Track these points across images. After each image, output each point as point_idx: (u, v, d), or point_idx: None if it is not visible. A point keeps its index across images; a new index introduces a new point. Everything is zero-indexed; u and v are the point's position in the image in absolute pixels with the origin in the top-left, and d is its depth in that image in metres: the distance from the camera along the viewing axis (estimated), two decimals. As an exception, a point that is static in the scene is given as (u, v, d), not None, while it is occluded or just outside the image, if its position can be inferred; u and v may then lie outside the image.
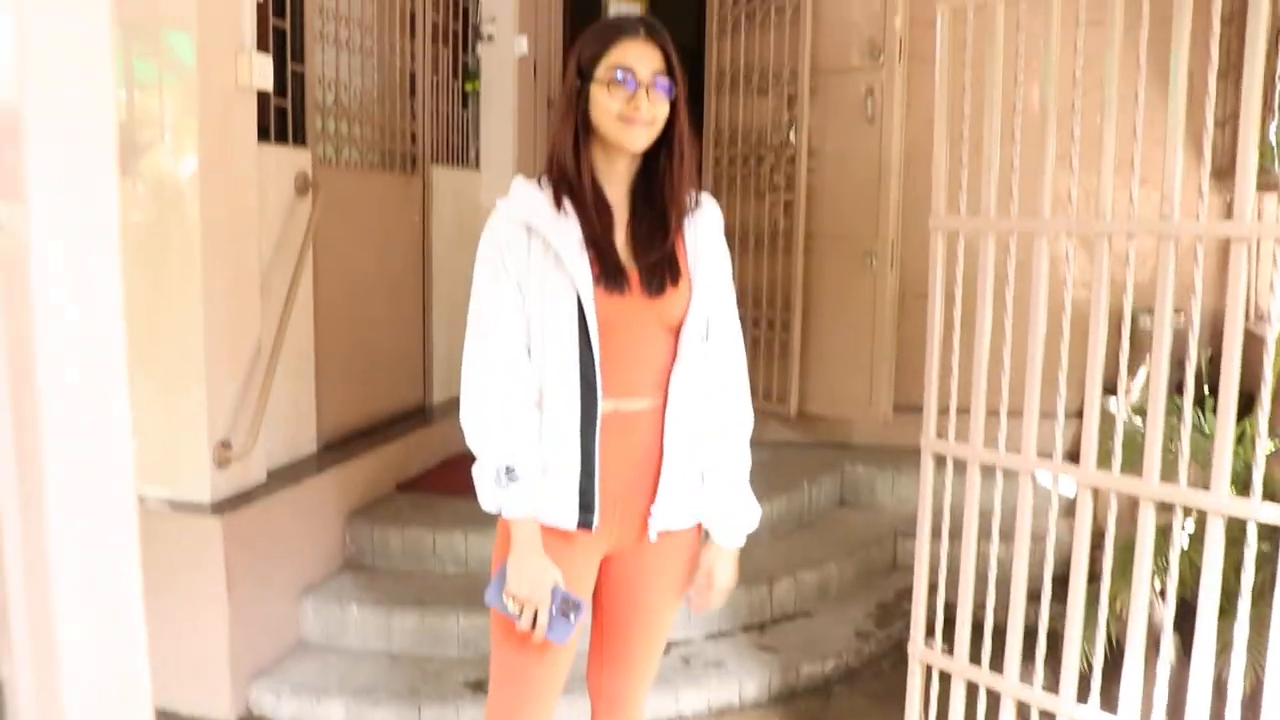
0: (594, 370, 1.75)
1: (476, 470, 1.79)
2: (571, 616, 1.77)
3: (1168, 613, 2.31)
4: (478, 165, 5.06)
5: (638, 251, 1.81)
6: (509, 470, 1.74)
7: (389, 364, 4.33)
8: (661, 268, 1.80)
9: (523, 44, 5.11)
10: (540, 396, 1.78)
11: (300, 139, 3.67)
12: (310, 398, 3.78)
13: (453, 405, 4.71)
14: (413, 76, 4.46)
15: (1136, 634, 2.36)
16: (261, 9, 3.30)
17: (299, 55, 3.64)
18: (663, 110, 1.75)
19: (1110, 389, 2.43)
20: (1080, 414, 2.46)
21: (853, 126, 4.48)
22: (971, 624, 2.73)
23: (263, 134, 3.36)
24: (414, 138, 4.47)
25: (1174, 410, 2.56)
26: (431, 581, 3.52)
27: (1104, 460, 2.40)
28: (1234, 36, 3.81)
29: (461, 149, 4.95)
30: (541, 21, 5.26)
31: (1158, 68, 2.21)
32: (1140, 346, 2.41)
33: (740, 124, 4.78)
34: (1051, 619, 2.54)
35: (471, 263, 1.81)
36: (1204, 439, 2.49)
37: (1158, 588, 2.51)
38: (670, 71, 1.76)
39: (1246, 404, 2.32)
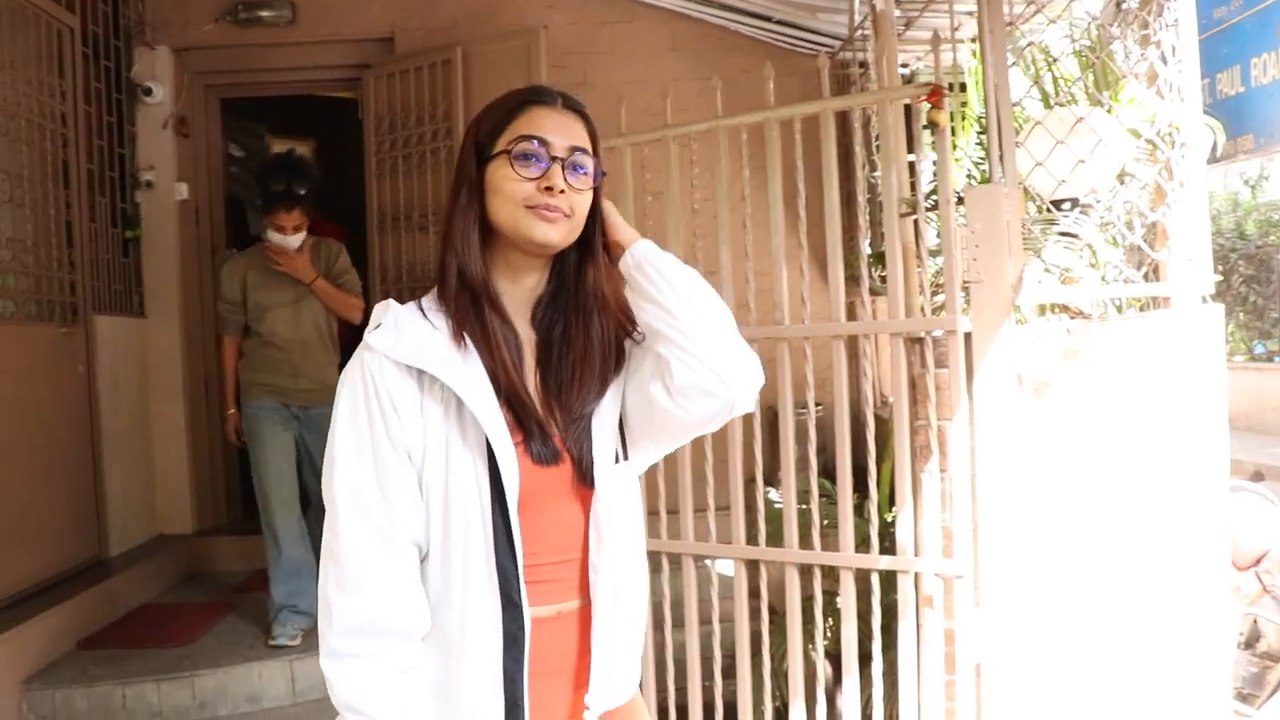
0: (516, 578, 1.25)
1: None
2: None
3: (819, 665, 2.74)
4: (143, 312, 4.99)
5: (555, 408, 1.34)
6: None
7: (57, 520, 4.16)
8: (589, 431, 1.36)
9: (183, 190, 5.17)
10: (433, 617, 1.27)
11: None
12: (-35, 565, 3.57)
13: (135, 555, 4.59)
14: (69, 225, 4.40)
15: (795, 688, 2.77)
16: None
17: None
18: (583, 201, 1.32)
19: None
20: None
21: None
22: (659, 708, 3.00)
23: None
24: (73, 287, 4.39)
25: (828, 491, 3.05)
26: (124, 739, 3.43)
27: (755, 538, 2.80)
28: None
29: (125, 297, 4.88)
30: (200, 166, 5.33)
31: (762, 199, 2.74)
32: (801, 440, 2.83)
33: (404, 260, 5.05)
34: (730, 692, 2.89)
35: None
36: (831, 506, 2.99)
37: (815, 646, 2.91)
38: (595, 152, 1.35)
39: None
